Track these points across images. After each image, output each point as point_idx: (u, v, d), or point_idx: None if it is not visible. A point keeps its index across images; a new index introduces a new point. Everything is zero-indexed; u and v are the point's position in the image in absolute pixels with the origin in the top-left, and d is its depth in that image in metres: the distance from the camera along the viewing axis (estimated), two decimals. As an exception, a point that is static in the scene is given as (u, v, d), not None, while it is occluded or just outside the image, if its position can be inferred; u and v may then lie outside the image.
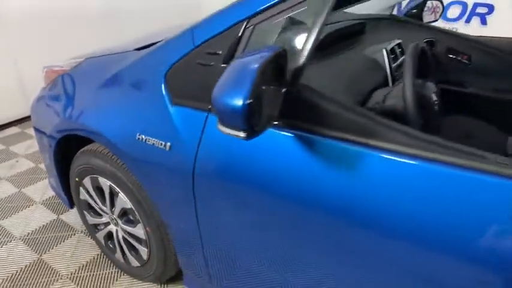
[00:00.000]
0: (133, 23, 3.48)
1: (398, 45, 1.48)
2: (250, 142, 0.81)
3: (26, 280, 1.46)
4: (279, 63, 0.70)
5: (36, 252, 1.60)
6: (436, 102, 1.05)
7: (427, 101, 1.03)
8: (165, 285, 1.44)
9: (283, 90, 0.72)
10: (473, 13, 3.81)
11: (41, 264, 1.55)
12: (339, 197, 0.74)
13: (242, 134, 0.58)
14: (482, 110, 1.84)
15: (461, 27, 3.88)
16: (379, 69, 1.29)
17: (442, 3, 2.08)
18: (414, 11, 2.05)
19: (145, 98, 1.04)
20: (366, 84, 1.17)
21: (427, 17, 2.13)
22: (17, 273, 1.50)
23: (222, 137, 0.78)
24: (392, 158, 0.68)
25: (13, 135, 2.75)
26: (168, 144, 0.97)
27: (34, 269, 1.52)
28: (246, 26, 0.84)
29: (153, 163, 1.04)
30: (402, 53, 1.50)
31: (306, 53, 0.73)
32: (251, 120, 0.57)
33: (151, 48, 1.08)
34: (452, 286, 0.66)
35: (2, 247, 1.64)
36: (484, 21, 3.77)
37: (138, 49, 1.16)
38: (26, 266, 1.53)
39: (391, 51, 1.36)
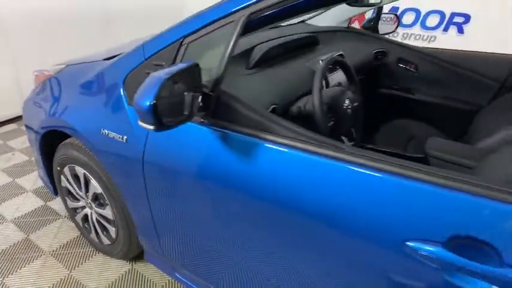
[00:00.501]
0: (125, 26, 3.73)
1: (340, 55, 1.69)
2: (182, 136, 1.04)
3: (14, 255, 1.69)
4: (195, 74, 0.91)
5: (24, 233, 1.83)
6: (349, 107, 1.25)
7: (340, 106, 1.24)
8: (133, 262, 1.66)
9: (200, 95, 0.93)
10: (450, 22, 4.00)
11: (27, 242, 1.77)
12: (246, 180, 0.95)
13: (151, 127, 0.79)
14: (428, 114, 2.04)
15: (439, 36, 4.08)
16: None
17: (397, 16, 2.29)
18: (372, 23, 2.25)
19: (108, 99, 1.26)
20: (298, 91, 1.38)
21: (387, 27, 2.34)
22: (7, 249, 1.72)
23: (163, 132, 1.01)
24: (281, 149, 0.89)
25: (11, 131, 2.99)
26: (125, 137, 1.19)
27: (22, 246, 1.74)
28: (181, 43, 1.06)
29: (114, 154, 1.26)
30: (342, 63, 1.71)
31: (222, 67, 0.95)
32: (159, 117, 0.79)
33: (114, 59, 1.30)
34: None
35: (-5, 228, 1.87)
36: (460, 30, 3.96)
37: (106, 59, 1.38)
38: (14, 244, 1.76)
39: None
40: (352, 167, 0.79)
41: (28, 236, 1.82)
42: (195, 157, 1.05)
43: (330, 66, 1.52)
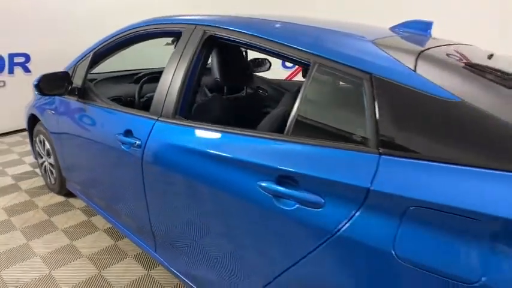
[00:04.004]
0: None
1: None
2: (69, 107, 2.23)
3: (5, 189, 2.91)
4: (68, 77, 2.11)
5: (15, 181, 3.07)
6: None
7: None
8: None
9: (69, 87, 2.11)
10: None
11: (15, 185, 2.99)
12: (89, 126, 2.09)
13: (37, 93, 1.98)
14: None
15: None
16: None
17: (269, 61, 3.40)
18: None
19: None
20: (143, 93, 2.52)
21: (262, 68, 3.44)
22: (1, 187, 2.95)
23: (63, 105, 2.22)
24: (99, 109, 2.03)
25: (31, 134, 4.42)
26: (53, 111, 2.40)
27: (10, 187, 2.97)
28: (75, 66, 2.28)
29: (50, 122, 2.47)
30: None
31: (84, 76, 2.13)
32: (41, 90, 1.97)
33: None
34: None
35: None
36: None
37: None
38: (4, 186, 2.99)
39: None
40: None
41: (17, 182, 3.05)
42: (73, 118, 2.22)
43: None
